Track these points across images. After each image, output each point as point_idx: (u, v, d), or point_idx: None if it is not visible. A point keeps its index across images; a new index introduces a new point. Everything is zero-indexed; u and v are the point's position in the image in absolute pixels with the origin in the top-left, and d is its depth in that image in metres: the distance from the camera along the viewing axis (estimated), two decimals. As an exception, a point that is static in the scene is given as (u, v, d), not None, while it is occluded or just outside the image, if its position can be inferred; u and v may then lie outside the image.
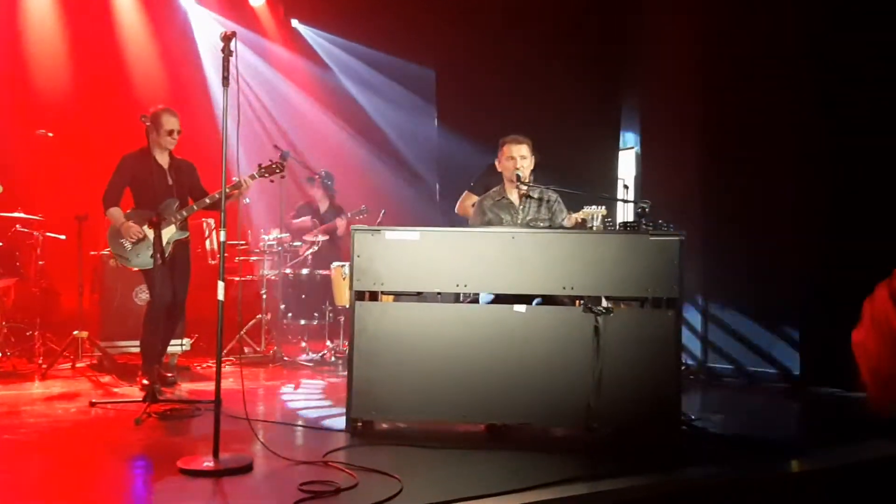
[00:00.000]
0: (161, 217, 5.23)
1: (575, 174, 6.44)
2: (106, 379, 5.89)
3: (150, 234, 5.25)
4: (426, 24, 8.67)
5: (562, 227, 4.88)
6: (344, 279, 6.57)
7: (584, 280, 4.21)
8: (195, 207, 5.42)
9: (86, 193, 6.71)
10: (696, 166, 6.71)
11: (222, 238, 3.64)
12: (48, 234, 6.57)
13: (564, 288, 4.22)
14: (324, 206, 7.89)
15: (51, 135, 6.73)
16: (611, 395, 4.08)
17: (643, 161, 7.59)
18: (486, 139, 5.07)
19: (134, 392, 5.31)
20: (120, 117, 7.22)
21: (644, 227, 4.36)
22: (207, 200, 5.38)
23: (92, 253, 6.65)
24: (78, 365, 6.27)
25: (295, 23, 9.67)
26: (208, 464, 3.53)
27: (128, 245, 5.33)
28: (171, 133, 5.41)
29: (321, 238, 7.43)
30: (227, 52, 3.59)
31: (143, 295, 5.72)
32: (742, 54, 6.39)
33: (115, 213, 5.38)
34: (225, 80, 3.55)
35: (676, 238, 4.19)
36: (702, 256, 6.35)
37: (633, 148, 7.90)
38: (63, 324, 6.68)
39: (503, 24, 8.08)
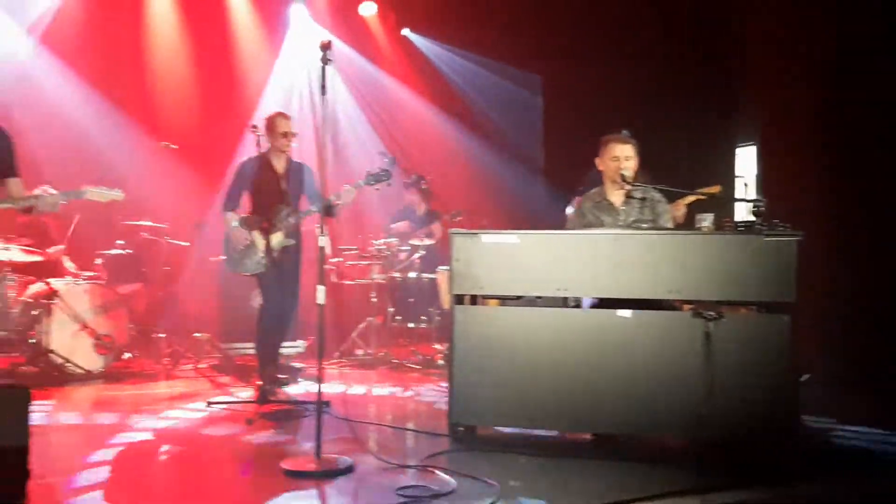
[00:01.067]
0: (271, 223, 5.39)
1: (689, 173, 6.20)
2: (225, 379, 6.13)
3: (258, 240, 5.43)
4: (534, 31, 8.62)
5: (666, 228, 4.67)
6: (449, 283, 6.58)
7: (691, 283, 4.02)
8: (301, 215, 5.55)
9: (206, 202, 7.06)
10: (817, 163, 6.32)
11: (322, 244, 3.71)
12: (171, 240, 6.91)
13: (670, 291, 4.05)
14: (420, 210, 7.92)
15: (175, 146, 7.07)
16: (722, 403, 3.88)
17: (762, 158, 7.22)
18: (595, 142, 4.91)
19: (249, 393, 5.50)
20: (239, 129, 7.51)
21: (758, 226, 4.10)
22: (314, 209, 5.50)
23: (212, 259, 6.94)
24: (200, 366, 6.55)
25: (406, 31, 9.83)
26: (310, 465, 3.61)
27: (236, 250, 5.52)
28: (285, 136, 5.57)
29: (427, 242, 7.46)
30: (324, 61, 3.66)
31: (258, 299, 5.93)
32: (864, 48, 6.00)
33: (229, 217, 5.58)
34: (322, 89, 3.62)
35: (793, 238, 3.95)
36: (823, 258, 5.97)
37: (753, 144, 7.53)
38: (186, 326, 7.01)
39: (610, 26, 7.96)
